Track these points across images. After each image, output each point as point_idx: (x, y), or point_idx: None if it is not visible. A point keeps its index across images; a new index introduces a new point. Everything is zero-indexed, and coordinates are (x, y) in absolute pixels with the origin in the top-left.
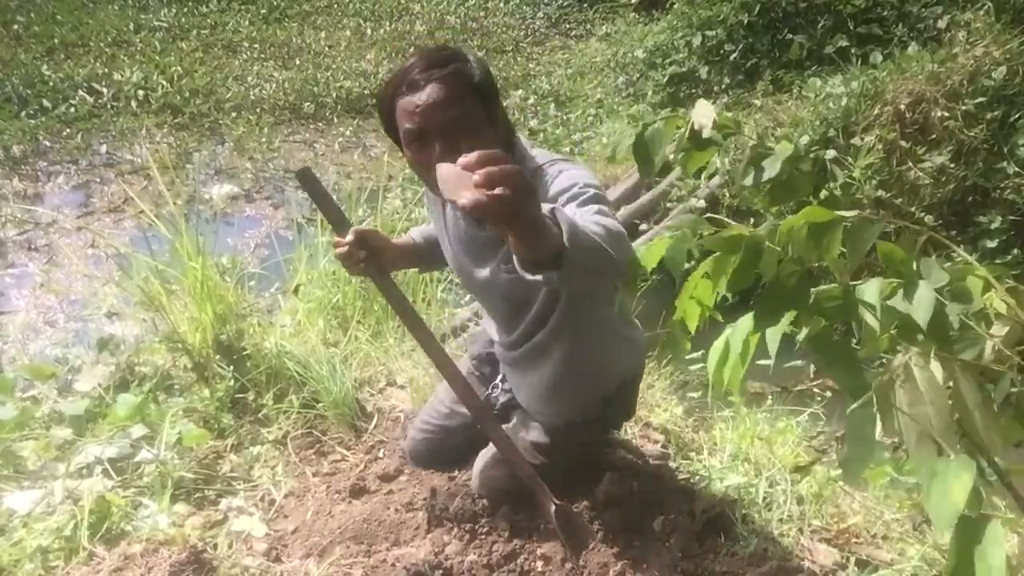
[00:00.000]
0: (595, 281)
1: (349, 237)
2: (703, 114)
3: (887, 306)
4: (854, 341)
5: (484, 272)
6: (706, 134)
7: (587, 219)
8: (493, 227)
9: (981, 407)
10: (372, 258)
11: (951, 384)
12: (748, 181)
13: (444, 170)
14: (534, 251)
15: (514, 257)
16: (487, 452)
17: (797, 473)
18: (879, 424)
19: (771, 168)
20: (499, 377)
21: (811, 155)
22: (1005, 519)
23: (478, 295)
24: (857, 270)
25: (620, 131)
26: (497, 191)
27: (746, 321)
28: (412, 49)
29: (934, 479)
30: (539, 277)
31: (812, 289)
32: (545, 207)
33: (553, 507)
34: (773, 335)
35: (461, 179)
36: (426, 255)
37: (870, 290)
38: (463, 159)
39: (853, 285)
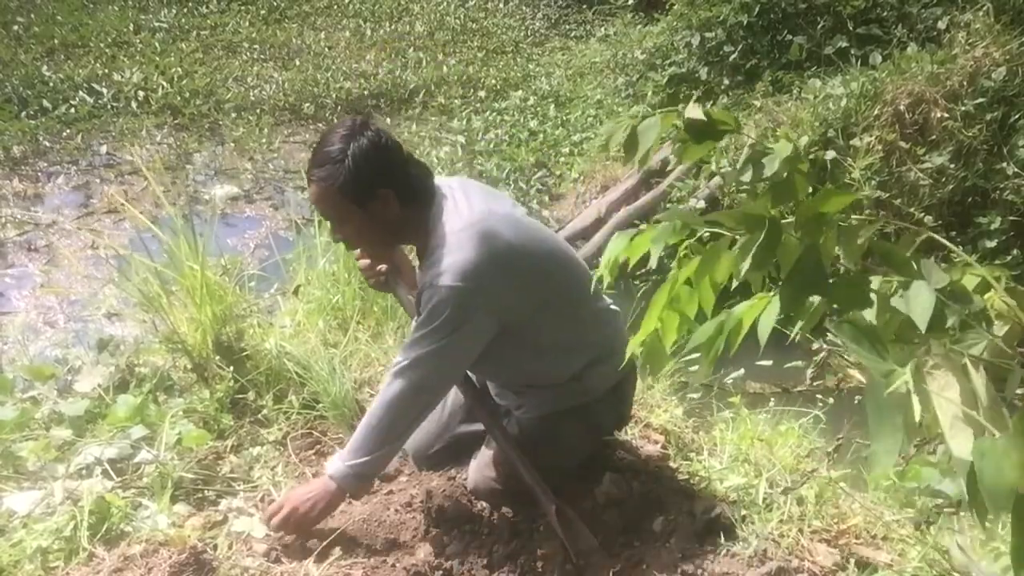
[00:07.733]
0: (421, 409)
1: None
2: (694, 110)
3: (886, 305)
4: None
5: None
6: (695, 115)
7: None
8: None
9: (992, 402)
10: (392, 272)
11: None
12: (746, 177)
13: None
14: None
15: None
16: (482, 452)
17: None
18: (916, 410)
19: (770, 166)
20: None
21: (810, 156)
22: None
23: None
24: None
25: (617, 123)
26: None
27: (743, 307)
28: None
29: (984, 459)
30: None
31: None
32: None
33: (554, 507)
34: (766, 322)
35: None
36: None
37: None
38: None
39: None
